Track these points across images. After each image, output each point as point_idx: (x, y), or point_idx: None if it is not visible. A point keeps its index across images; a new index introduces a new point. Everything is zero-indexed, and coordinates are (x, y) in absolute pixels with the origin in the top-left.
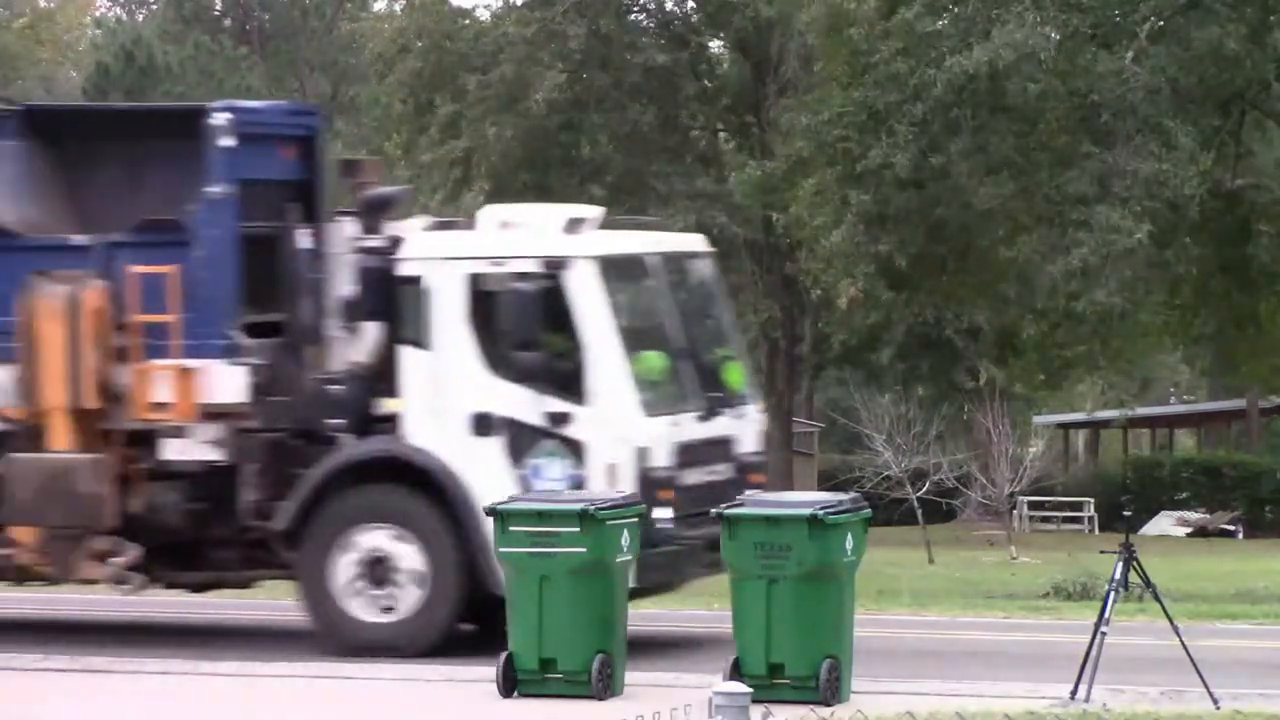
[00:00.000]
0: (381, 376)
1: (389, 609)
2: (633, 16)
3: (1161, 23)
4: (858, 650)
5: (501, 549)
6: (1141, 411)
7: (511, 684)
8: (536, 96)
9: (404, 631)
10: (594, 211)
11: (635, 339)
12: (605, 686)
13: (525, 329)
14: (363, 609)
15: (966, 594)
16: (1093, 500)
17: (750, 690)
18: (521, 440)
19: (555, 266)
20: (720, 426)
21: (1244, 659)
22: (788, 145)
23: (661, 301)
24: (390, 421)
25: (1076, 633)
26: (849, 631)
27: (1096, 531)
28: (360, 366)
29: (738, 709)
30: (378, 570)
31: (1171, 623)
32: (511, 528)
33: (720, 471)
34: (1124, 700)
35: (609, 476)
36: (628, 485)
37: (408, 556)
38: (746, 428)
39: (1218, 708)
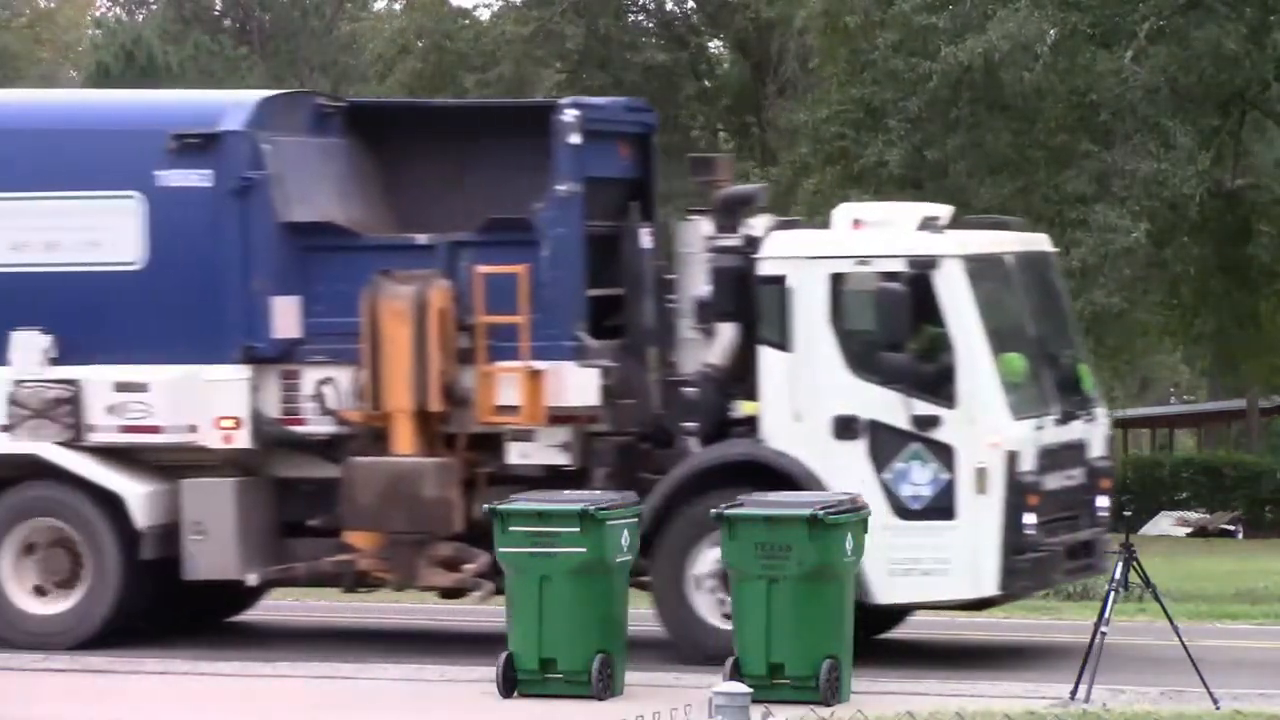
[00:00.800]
0: (736, 378)
1: None
2: (632, 17)
3: (1161, 22)
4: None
5: (501, 549)
6: (1141, 411)
7: (511, 684)
8: (537, 97)
9: None
10: (945, 209)
11: (995, 340)
12: (605, 686)
13: (894, 329)
14: (720, 616)
15: None
16: None
17: (750, 690)
18: (886, 444)
19: (923, 266)
20: (1075, 430)
21: (1244, 659)
22: (791, 151)
23: (1018, 301)
24: (745, 425)
25: (1076, 633)
26: (849, 631)
27: None
28: (714, 368)
29: (738, 709)
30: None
31: (1171, 623)
32: (511, 528)
33: (1075, 476)
34: (1124, 700)
35: (977, 481)
36: (996, 490)
37: None
38: (1096, 432)
39: (1218, 708)
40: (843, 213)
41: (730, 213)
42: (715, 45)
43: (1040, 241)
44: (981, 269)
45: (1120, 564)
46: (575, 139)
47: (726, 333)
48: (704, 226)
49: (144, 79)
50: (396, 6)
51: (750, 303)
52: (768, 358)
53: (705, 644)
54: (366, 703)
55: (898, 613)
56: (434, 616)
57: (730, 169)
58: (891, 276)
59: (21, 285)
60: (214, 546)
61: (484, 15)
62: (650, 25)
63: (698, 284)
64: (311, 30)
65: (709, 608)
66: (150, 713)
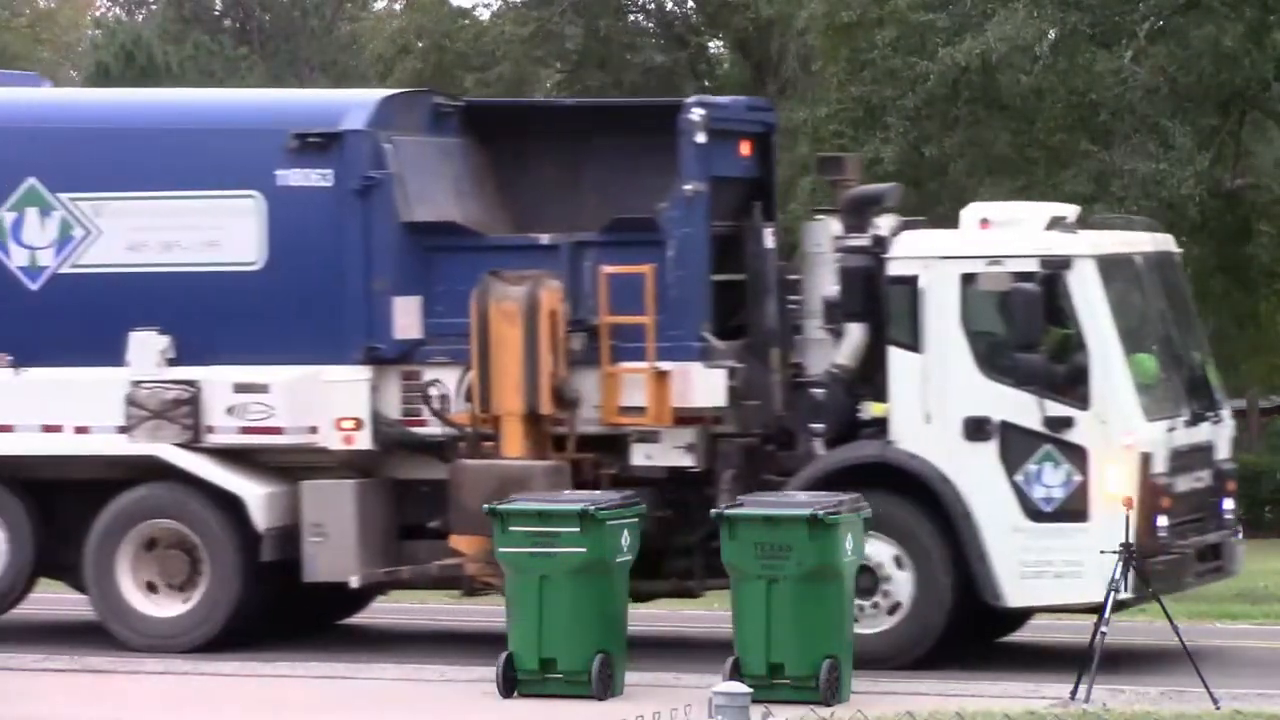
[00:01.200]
0: (863, 379)
1: (874, 618)
2: (632, 17)
3: (1161, 22)
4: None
5: (501, 549)
6: None
7: (511, 684)
8: (536, 97)
9: (891, 641)
10: (1072, 209)
11: (1127, 341)
12: (605, 686)
13: (1027, 330)
14: None
15: None
16: None
17: (750, 690)
18: (1018, 445)
19: (1057, 266)
20: (1203, 432)
21: (1244, 659)
22: (792, 152)
23: (1147, 302)
24: (873, 426)
25: (1076, 633)
26: (849, 631)
27: None
28: (841, 369)
29: (738, 709)
30: (863, 579)
31: (1171, 623)
32: (511, 527)
33: (1203, 479)
34: (1124, 700)
35: (1110, 482)
36: (1129, 492)
37: (896, 564)
38: (1223, 434)
39: (1218, 708)
40: (970, 212)
41: (858, 212)
42: (715, 45)
43: (1167, 242)
44: (1114, 269)
45: (1120, 564)
46: (701, 138)
47: (855, 333)
48: (832, 226)
49: (144, 79)
50: (396, 6)
51: (879, 303)
52: (897, 358)
53: None
54: (366, 703)
55: (1021, 615)
56: (434, 616)
57: (859, 168)
58: (1025, 277)
59: (139, 285)
60: (334, 548)
61: (484, 15)
62: (650, 25)
63: (825, 284)
64: (311, 30)
65: None
66: (150, 713)
